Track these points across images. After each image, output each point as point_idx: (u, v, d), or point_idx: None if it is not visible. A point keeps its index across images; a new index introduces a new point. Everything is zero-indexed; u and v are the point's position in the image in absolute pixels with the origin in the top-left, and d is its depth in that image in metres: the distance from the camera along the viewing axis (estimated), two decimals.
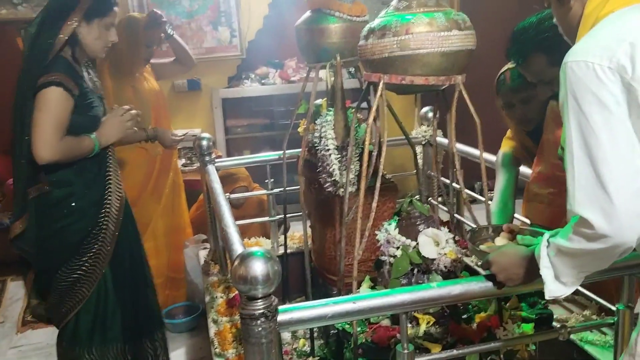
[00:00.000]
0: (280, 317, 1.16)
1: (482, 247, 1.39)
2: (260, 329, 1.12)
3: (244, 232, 2.88)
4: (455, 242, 1.67)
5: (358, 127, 1.92)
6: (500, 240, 1.43)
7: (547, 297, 1.12)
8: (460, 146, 2.45)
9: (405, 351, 1.24)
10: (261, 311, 1.13)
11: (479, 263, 2.11)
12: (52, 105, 1.96)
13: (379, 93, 1.52)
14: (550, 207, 1.94)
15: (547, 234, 1.13)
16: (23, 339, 3.08)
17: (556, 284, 1.11)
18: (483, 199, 1.71)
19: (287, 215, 2.48)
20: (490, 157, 2.29)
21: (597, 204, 0.97)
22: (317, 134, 1.98)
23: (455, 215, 2.43)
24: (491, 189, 3.56)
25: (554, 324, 1.67)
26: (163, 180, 3.13)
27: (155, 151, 3.06)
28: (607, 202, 0.96)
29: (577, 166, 1.00)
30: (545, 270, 1.11)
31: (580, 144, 0.99)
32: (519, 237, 1.43)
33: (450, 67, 1.48)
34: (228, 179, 3.21)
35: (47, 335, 3.04)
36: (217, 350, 1.97)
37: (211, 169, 2.45)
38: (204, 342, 2.65)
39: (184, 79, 4.29)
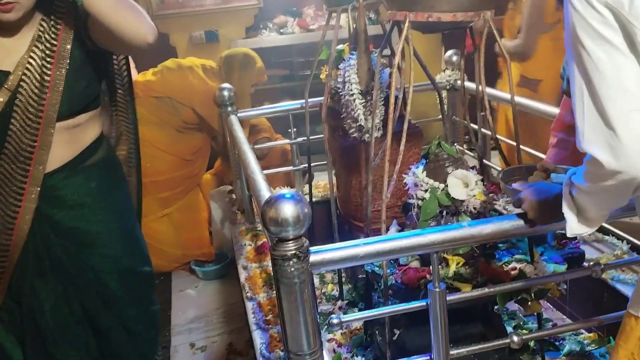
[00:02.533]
0: (312, 258, 1.17)
1: (515, 185, 1.37)
2: (292, 269, 1.14)
3: (269, 182, 2.90)
4: (484, 185, 1.65)
5: (382, 71, 1.88)
6: (534, 179, 1.41)
7: (568, 234, 1.11)
8: (488, 89, 2.39)
9: (437, 289, 1.24)
10: (293, 252, 1.14)
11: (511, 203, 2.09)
12: None
13: (404, 32, 1.48)
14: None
15: (569, 172, 1.11)
16: None
17: (578, 223, 1.09)
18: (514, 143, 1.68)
19: (311, 165, 2.48)
20: (523, 100, 2.24)
21: (605, 141, 0.94)
22: (340, 80, 1.95)
23: (484, 160, 2.40)
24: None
25: (585, 263, 1.67)
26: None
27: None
28: (613, 139, 0.93)
29: (586, 103, 0.97)
30: (567, 209, 1.09)
31: (586, 81, 0.96)
32: (552, 175, 1.40)
33: (479, 2, 1.42)
34: (250, 130, 3.21)
35: None
36: (249, 294, 2.02)
37: (234, 119, 2.45)
38: (235, 288, 2.71)
39: (201, 30, 4.23)
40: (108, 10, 1.47)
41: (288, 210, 1.14)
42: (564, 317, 1.97)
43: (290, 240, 1.16)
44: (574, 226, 1.10)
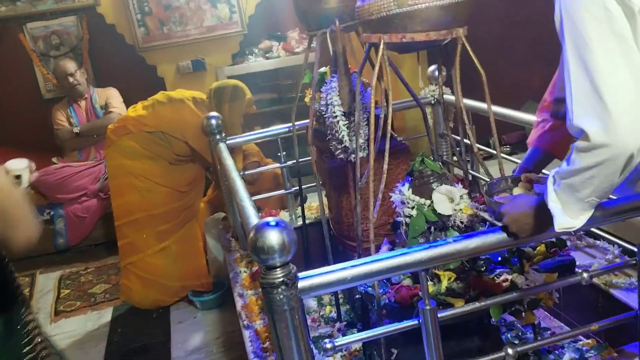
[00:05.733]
0: (301, 284, 1.17)
1: (497, 198, 1.38)
2: (281, 296, 1.14)
3: (262, 207, 2.92)
4: (471, 197, 1.66)
5: (364, 92, 1.90)
6: (517, 191, 1.42)
7: (556, 229, 1.10)
8: (468, 101, 2.42)
9: (427, 307, 1.24)
10: (280, 279, 1.14)
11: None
12: None
13: (380, 54, 1.50)
14: None
15: (552, 170, 1.11)
16: (57, 328, 3.16)
17: (565, 217, 1.09)
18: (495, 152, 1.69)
19: (303, 187, 2.49)
20: (501, 111, 2.26)
21: (594, 114, 0.96)
22: (323, 102, 1.97)
23: (470, 171, 2.41)
24: (506, 143, 3.46)
25: (577, 270, 1.67)
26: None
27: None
28: (603, 111, 0.95)
29: (574, 80, 1.00)
30: (553, 204, 1.10)
31: (575, 59, 1.00)
32: (535, 185, 1.41)
33: (451, 20, 1.45)
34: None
35: (80, 322, 3.14)
36: (245, 322, 2.01)
37: (222, 146, 2.46)
38: (233, 316, 2.69)
39: (188, 60, 4.28)
40: None
41: (273, 237, 1.15)
42: (562, 324, 1.97)
43: (277, 267, 1.16)
44: (561, 220, 1.09)
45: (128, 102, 3.70)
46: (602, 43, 0.98)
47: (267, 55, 4.43)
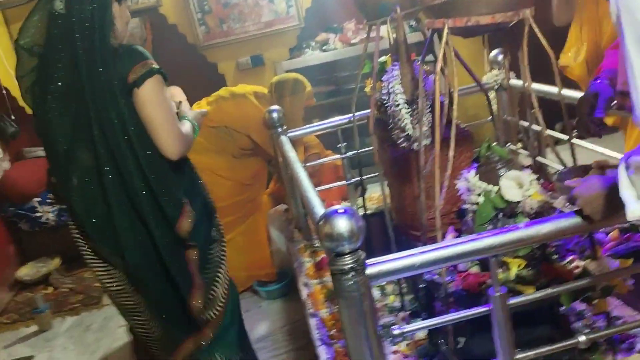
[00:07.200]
0: (369, 270, 1.19)
1: (568, 182, 1.34)
2: (351, 282, 1.16)
3: (323, 199, 2.95)
4: (540, 184, 1.62)
5: (426, 79, 1.89)
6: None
7: (628, 218, 1.06)
8: (536, 85, 2.35)
9: (497, 294, 1.23)
10: (350, 266, 1.16)
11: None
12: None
13: (444, 39, 1.49)
14: None
15: (625, 155, 1.07)
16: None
17: (638, 203, 1.05)
18: (566, 138, 1.65)
19: (363, 177, 2.50)
20: (571, 94, 2.18)
21: None
22: (384, 91, 1.97)
23: (538, 158, 2.35)
24: (574, 128, 3.34)
25: None
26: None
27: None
28: None
29: (638, 73, 0.96)
30: (625, 191, 1.05)
31: (638, 52, 0.95)
32: (608, 171, 1.37)
33: (517, 1, 1.42)
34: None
35: None
36: (311, 310, 2.05)
37: (284, 139, 2.50)
38: (297, 306, 2.75)
39: (247, 56, 4.36)
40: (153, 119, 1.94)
41: (342, 225, 1.17)
42: (636, 313, 1.89)
43: (346, 254, 1.18)
44: (634, 208, 1.05)
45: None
46: None
47: (323, 47, 4.45)
